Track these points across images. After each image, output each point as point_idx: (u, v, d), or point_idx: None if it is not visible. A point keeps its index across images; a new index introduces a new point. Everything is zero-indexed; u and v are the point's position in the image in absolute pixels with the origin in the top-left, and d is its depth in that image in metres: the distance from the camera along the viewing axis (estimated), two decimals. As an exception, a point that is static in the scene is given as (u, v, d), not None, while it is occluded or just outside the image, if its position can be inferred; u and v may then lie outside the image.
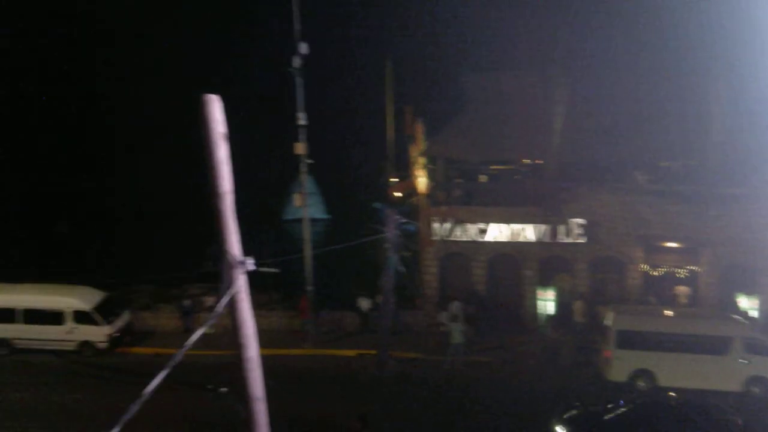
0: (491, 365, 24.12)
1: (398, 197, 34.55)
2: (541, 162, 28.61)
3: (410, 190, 33.33)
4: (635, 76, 28.49)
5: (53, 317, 24.90)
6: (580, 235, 26.32)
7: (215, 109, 5.82)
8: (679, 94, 27.32)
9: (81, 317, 24.91)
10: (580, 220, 26.27)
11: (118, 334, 25.49)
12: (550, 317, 26.06)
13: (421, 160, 29.87)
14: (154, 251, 35.72)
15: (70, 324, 24.90)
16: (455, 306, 25.32)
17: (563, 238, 26.45)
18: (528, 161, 29.65)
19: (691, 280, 26.38)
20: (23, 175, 55.78)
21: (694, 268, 26.29)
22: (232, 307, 6.23)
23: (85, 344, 25.01)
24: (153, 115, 62.15)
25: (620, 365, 21.84)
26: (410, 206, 31.88)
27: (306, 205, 26.82)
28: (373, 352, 24.01)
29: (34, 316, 24.89)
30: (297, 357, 25.14)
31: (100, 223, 44.29)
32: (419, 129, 32.08)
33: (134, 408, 5.22)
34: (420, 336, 26.62)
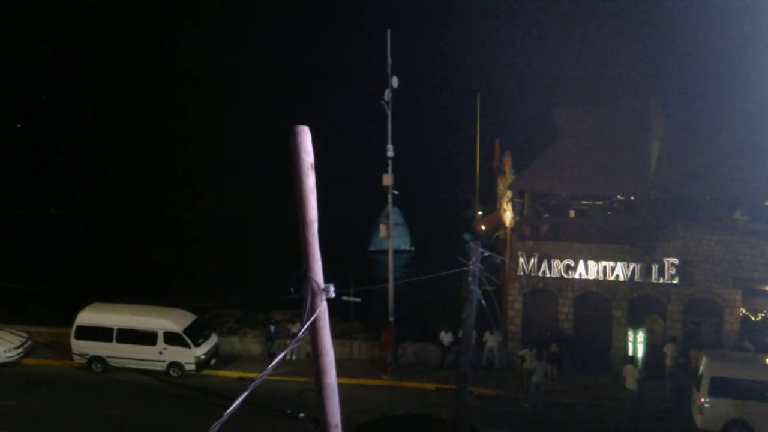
0: (574, 407, 23.32)
1: (483, 230, 34.24)
2: (634, 198, 27.75)
3: (496, 224, 33.01)
4: (736, 110, 27.31)
5: (146, 337, 25.87)
6: (673, 275, 25.26)
7: (305, 139, 5.95)
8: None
9: (172, 338, 25.77)
10: (673, 260, 25.24)
11: (206, 357, 26.19)
12: (637, 360, 25.02)
13: (508, 194, 29.55)
14: (242, 276, 36.69)
15: (161, 345, 25.80)
16: (538, 343, 24.70)
17: (655, 278, 25.45)
18: (620, 197, 28.83)
19: (795, 328, 24.77)
20: (123, 202, 58.76)
21: (799, 314, 24.68)
22: (313, 333, 6.30)
23: (174, 365, 25.82)
24: (244, 144, 64.40)
25: (713, 414, 20.67)
26: (496, 240, 31.53)
27: (391, 236, 26.98)
28: (453, 387, 23.65)
29: (128, 336, 25.94)
30: (376, 388, 25.09)
31: (191, 249, 45.92)
32: (507, 162, 31.81)
33: (215, 429, 5.32)
34: (501, 373, 26.08)
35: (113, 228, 52.64)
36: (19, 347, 27.13)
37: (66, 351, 26.46)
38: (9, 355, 26.74)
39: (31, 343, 27.68)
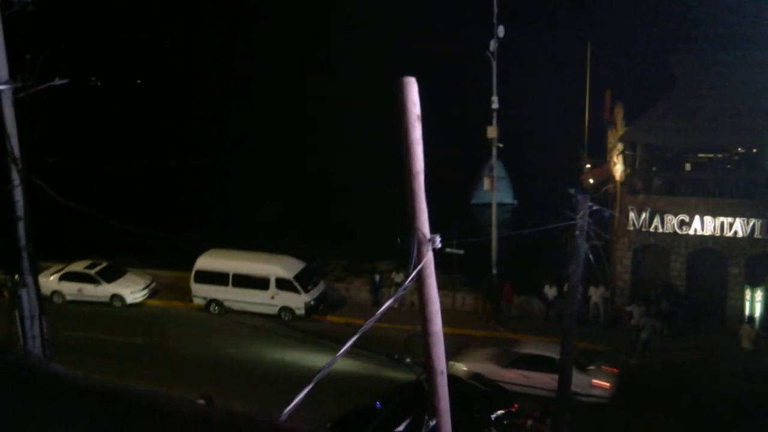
0: (685, 366, 22.68)
1: (592, 184, 33.31)
2: (756, 151, 26.16)
3: (606, 177, 32.02)
4: None
5: (259, 282, 27.16)
6: (798, 232, 23.77)
7: (412, 91, 6.03)
8: None
9: (283, 284, 26.93)
10: (799, 216, 23.72)
11: (314, 302, 27.25)
12: (755, 319, 23.92)
13: (619, 146, 28.55)
14: (348, 226, 37.49)
15: (273, 290, 27.03)
16: (648, 300, 24.06)
17: (778, 235, 24.05)
18: (741, 150, 27.23)
19: None
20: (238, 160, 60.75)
21: None
22: (419, 282, 6.49)
23: (285, 309, 27.03)
24: (351, 98, 64.81)
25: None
26: (604, 193, 30.64)
27: (495, 189, 26.80)
28: (558, 340, 23.49)
29: (243, 281, 27.31)
30: (480, 338, 25.34)
31: (302, 200, 47.16)
32: (618, 113, 30.66)
33: (326, 369, 5.64)
34: (607, 329, 25.63)
35: (236, 180, 54.38)
36: (144, 289, 29.22)
37: (186, 293, 28.27)
38: (135, 296, 28.85)
39: (155, 285, 29.73)
